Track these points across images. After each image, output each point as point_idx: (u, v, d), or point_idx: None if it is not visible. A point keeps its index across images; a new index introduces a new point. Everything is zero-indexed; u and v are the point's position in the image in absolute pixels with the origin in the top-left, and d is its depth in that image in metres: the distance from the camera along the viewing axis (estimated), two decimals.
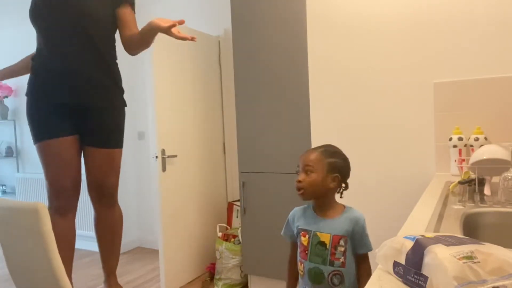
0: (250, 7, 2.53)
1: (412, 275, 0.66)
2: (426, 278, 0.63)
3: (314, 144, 2.30)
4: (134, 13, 1.99)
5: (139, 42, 1.88)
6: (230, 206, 3.10)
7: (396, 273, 0.71)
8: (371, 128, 2.15)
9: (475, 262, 0.61)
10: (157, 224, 2.79)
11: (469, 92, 1.92)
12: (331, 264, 1.30)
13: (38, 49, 1.88)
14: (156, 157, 2.72)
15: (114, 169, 1.93)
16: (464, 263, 0.61)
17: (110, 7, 1.86)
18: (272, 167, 2.52)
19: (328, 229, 1.33)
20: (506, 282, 0.59)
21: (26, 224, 1.34)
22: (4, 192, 4.60)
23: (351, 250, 1.32)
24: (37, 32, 1.85)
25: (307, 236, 1.36)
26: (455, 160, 1.88)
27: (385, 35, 2.09)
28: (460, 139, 1.87)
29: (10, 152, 4.41)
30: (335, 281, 1.30)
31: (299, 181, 1.35)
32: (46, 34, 1.81)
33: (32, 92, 1.84)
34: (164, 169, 2.75)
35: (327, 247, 1.31)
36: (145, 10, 3.70)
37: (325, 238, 1.32)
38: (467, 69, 1.93)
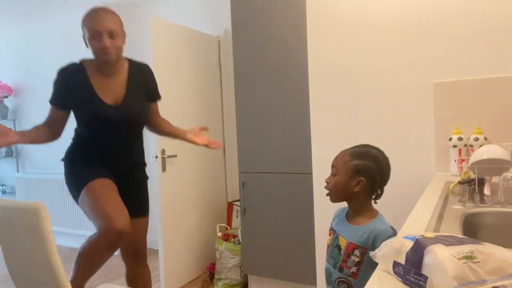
0: (250, 7, 2.53)
1: (412, 275, 0.66)
2: (426, 278, 0.63)
3: (313, 144, 2.31)
4: None
5: (165, 134, 2.02)
6: (230, 206, 3.10)
7: (396, 273, 0.71)
8: (371, 128, 2.15)
9: (475, 262, 0.61)
10: (157, 224, 2.79)
11: (469, 92, 1.92)
12: (341, 270, 1.24)
13: (78, 134, 1.83)
14: (156, 157, 2.72)
15: (146, 233, 2.00)
16: (464, 263, 0.61)
17: (147, 103, 1.88)
18: (272, 167, 2.52)
19: (348, 234, 1.25)
20: (506, 282, 0.59)
21: (26, 224, 1.34)
22: (4, 192, 4.60)
23: (372, 267, 1.22)
24: (81, 123, 1.80)
25: (331, 236, 1.33)
26: (455, 160, 1.88)
27: (385, 35, 2.09)
28: (460, 139, 1.87)
29: (10, 152, 4.41)
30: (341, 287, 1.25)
31: (327, 183, 1.29)
32: (92, 128, 1.75)
33: (71, 158, 1.82)
34: (164, 169, 2.75)
35: (341, 252, 1.25)
36: (145, 10, 3.70)
37: (342, 242, 1.26)
38: (467, 69, 1.93)
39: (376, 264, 1.14)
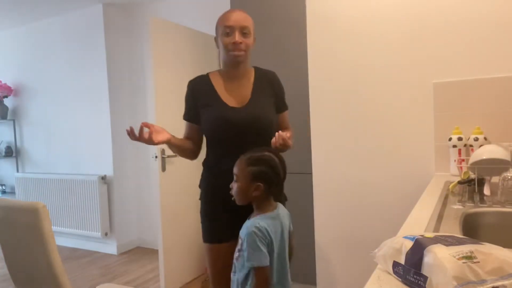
0: (249, 7, 2.53)
1: (412, 275, 0.66)
2: (425, 278, 0.63)
3: (314, 144, 2.31)
4: None
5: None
6: None
7: (395, 273, 0.71)
8: (370, 128, 2.15)
9: (474, 262, 0.61)
10: (157, 224, 2.79)
11: (468, 92, 1.92)
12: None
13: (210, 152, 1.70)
14: (156, 157, 2.72)
15: None
16: (463, 263, 0.61)
17: (275, 114, 1.70)
18: None
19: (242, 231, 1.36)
20: (505, 282, 0.59)
21: (26, 223, 1.34)
22: (3, 192, 4.59)
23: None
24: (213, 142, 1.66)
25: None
26: (455, 160, 1.88)
27: (384, 35, 2.09)
28: (460, 139, 1.87)
29: (9, 152, 4.41)
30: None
31: (231, 188, 1.37)
32: (222, 144, 1.62)
33: (206, 189, 1.69)
34: (163, 169, 2.75)
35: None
36: (146, 10, 3.70)
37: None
38: (467, 69, 1.93)
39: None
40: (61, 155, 4.08)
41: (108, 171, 3.73)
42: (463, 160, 1.83)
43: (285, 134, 1.42)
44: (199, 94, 1.64)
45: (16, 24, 4.21)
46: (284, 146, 1.43)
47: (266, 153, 1.36)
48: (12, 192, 4.43)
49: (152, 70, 2.70)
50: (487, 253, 0.63)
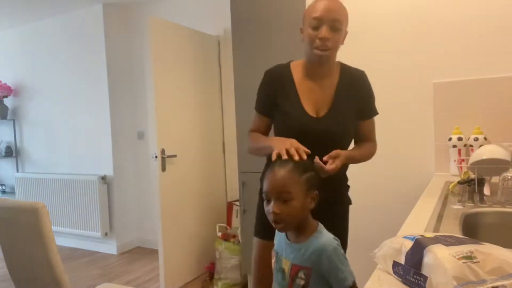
0: (250, 7, 2.53)
1: (412, 275, 0.66)
2: (425, 278, 0.63)
3: None
4: None
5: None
6: (229, 206, 3.10)
7: (395, 273, 0.71)
8: None
9: (474, 262, 0.61)
10: (157, 224, 2.78)
11: (468, 92, 1.92)
12: None
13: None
14: (156, 156, 2.72)
15: None
16: (463, 263, 0.61)
17: (356, 120, 1.48)
18: None
19: (290, 255, 1.07)
20: (505, 282, 0.59)
21: (26, 223, 1.34)
22: (3, 191, 4.59)
23: (323, 284, 1.01)
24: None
25: (274, 258, 1.16)
26: (455, 160, 1.88)
27: (385, 36, 2.09)
28: (460, 139, 1.87)
29: (9, 152, 4.41)
30: None
31: (276, 213, 1.00)
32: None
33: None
34: (163, 169, 2.75)
35: (285, 276, 1.08)
36: (146, 9, 3.70)
37: (285, 265, 1.09)
38: (466, 69, 1.93)
39: (325, 282, 0.98)
40: (61, 155, 4.08)
41: (108, 171, 3.73)
42: (463, 160, 1.83)
43: (323, 164, 1.21)
44: (278, 87, 1.46)
45: (16, 24, 4.21)
46: (323, 172, 1.19)
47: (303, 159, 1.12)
48: (12, 192, 4.43)
49: (152, 69, 2.70)
50: (487, 253, 0.63)
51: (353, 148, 1.46)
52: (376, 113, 1.49)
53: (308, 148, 1.26)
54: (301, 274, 1.04)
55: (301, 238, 1.07)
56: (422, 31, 2.00)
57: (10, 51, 4.43)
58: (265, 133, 1.53)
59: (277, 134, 1.46)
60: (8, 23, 4.15)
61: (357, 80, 1.47)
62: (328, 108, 1.40)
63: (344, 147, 1.40)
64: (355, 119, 1.44)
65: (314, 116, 1.40)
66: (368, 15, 2.12)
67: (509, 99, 1.84)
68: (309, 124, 1.39)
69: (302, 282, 1.02)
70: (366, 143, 1.48)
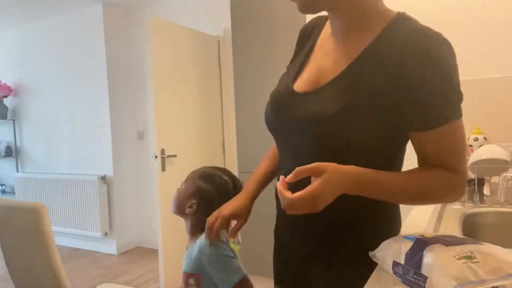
0: (250, 7, 2.53)
1: (412, 275, 0.66)
2: (425, 278, 0.63)
3: None
4: None
5: None
6: None
7: (395, 273, 0.71)
8: None
9: (474, 262, 0.61)
10: (157, 224, 2.78)
11: (468, 92, 1.90)
12: None
13: None
14: (156, 156, 2.72)
15: None
16: (463, 263, 0.61)
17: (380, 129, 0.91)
18: None
19: (184, 263, 1.07)
20: (505, 282, 0.59)
21: (26, 224, 1.34)
22: (3, 191, 4.59)
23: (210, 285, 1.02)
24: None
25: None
26: None
27: None
28: None
29: (9, 152, 4.41)
30: None
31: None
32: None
33: None
34: (163, 168, 2.75)
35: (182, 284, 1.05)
36: (146, 9, 3.70)
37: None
38: (467, 69, 1.92)
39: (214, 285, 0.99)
40: (61, 155, 4.08)
41: (108, 171, 3.73)
42: None
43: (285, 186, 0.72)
44: (303, 43, 1.10)
45: (16, 24, 4.21)
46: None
47: (217, 172, 1.13)
48: (12, 192, 4.43)
49: (152, 69, 2.70)
50: (487, 253, 0.63)
51: (386, 172, 0.77)
52: (452, 118, 0.78)
53: (280, 145, 0.97)
54: (191, 281, 1.05)
55: (190, 242, 1.09)
56: None
57: (10, 51, 4.43)
58: None
59: None
60: (9, 22, 4.15)
61: (404, 50, 0.76)
62: (328, 81, 0.84)
63: (348, 155, 0.78)
64: (379, 116, 0.77)
65: (301, 90, 0.89)
66: None
67: (509, 99, 1.84)
68: (283, 100, 0.93)
69: None
70: (429, 170, 0.78)
